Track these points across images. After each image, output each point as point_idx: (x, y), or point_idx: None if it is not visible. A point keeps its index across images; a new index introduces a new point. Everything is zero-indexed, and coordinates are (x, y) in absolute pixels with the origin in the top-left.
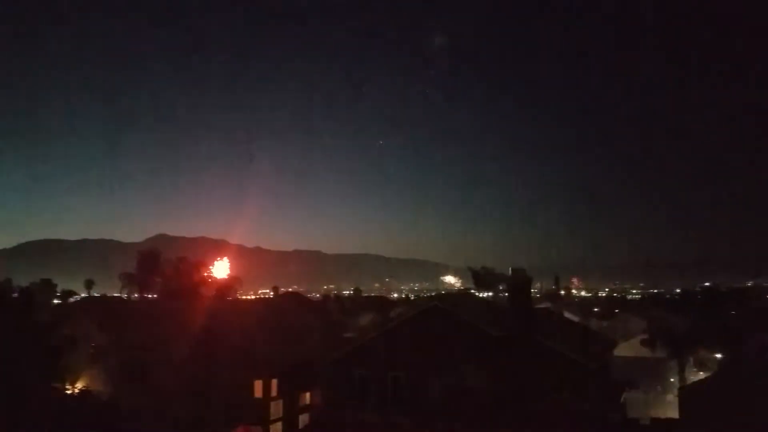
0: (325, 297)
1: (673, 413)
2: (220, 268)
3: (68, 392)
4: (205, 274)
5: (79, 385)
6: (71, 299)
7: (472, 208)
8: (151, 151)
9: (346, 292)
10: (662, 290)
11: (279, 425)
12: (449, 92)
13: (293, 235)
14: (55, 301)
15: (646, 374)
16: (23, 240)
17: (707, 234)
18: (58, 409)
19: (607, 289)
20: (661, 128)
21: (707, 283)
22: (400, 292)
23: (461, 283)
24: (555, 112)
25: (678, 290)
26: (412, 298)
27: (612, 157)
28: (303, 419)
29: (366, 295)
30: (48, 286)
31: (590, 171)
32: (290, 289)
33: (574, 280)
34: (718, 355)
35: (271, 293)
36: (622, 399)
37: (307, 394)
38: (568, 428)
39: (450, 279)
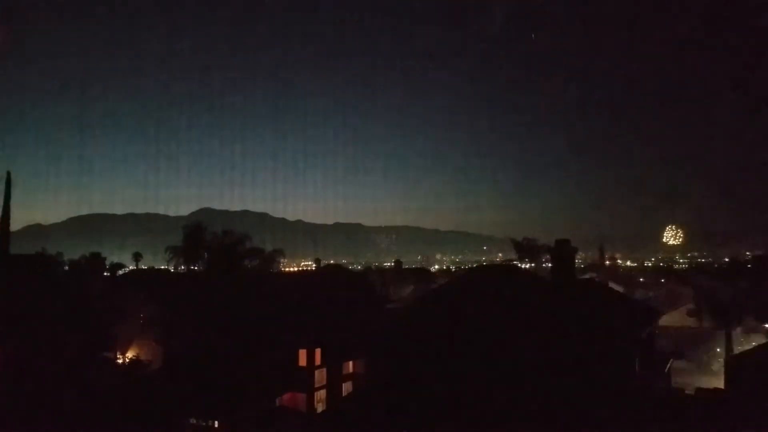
0: (367, 269)
1: (719, 383)
2: None
3: (119, 361)
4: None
5: (129, 355)
6: (120, 272)
7: (514, 178)
8: (194, 127)
9: (387, 264)
10: (710, 259)
11: (323, 392)
12: (494, 67)
13: (334, 207)
14: (105, 274)
15: (692, 344)
16: (73, 214)
17: (760, 202)
18: (109, 376)
19: (653, 259)
20: (708, 93)
21: (758, 252)
22: (441, 263)
23: (503, 254)
24: (595, 84)
25: (726, 259)
26: (453, 269)
27: (658, 124)
28: (346, 387)
29: (407, 267)
30: (97, 260)
31: (635, 140)
32: (332, 261)
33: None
34: None
35: (314, 265)
36: (667, 369)
37: (350, 363)
38: (613, 399)
39: (491, 250)
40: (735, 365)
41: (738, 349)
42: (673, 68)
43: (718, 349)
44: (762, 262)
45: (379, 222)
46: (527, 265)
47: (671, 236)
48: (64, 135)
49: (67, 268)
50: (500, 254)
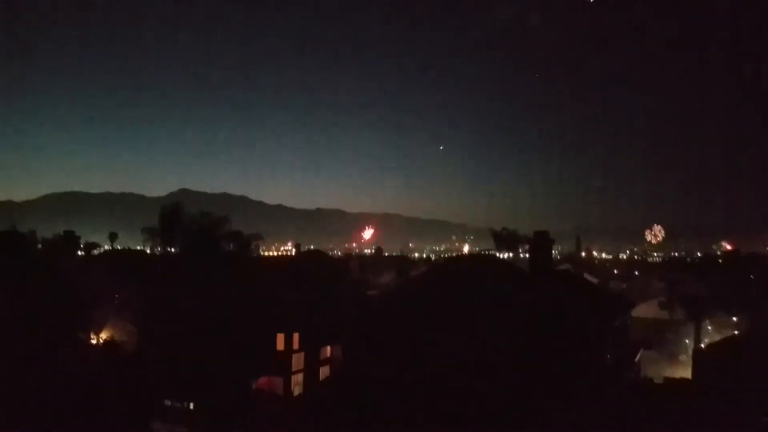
0: (347, 255)
1: (687, 373)
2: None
3: (93, 342)
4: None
5: (103, 336)
6: (94, 251)
7: (495, 169)
8: (174, 106)
9: (368, 251)
10: (683, 253)
11: (300, 376)
12: (478, 58)
13: (316, 193)
14: (79, 254)
15: (662, 335)
16: (47, 192)
17: (731, 198)
18: (83, 358)
19: (628, 251)
20: (684, 91)
21: (728, 247)
22: (421, 252)
23: (483, 244)
24: (578, 77)
25: (699, 254)
26: (433, 258)
27: (636, 119)
28: (323, 371)
29: (387, 254)
30: (71, 239)
31: (614, 135)
32: (312, 247)
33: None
34: (735, 319)
35: (294, 250)
36: (637, 358)
37: (328, 348)
38: (584, 387)
39: (471, 240)
40: (702, 356)
41: (706, 341)
42: (655, 63)
43: (687, 341)
44: (730, 258)
45: (361, 209)
46: (505, 255)
47: (652, 236)
48: (39, 111)
49: (40, 246)
50: (480, 244)
